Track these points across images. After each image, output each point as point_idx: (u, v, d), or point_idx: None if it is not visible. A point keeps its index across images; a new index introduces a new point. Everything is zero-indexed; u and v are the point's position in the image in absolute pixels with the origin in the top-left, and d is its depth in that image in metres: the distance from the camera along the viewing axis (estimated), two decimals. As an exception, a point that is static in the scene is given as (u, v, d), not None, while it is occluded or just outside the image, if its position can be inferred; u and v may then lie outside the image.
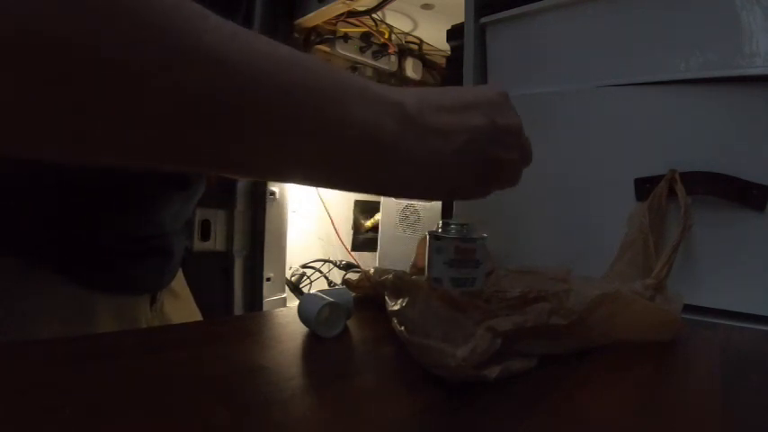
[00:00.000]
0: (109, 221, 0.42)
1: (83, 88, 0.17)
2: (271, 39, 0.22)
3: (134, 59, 0.17)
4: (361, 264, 1.59)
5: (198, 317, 0.57)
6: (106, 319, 0.42)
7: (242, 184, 1.35)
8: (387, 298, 0.37)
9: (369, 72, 1.53)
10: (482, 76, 0.76)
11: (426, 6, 1.28)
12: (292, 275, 1.56)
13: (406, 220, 1.32)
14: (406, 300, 0.35)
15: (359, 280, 0.47)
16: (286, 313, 0.43)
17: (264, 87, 0.20)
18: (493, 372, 0.27)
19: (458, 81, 0.78)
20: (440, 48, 1.55)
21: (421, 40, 1.55)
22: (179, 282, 0.56)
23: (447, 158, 0.27)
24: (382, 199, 1.35)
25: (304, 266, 1.59)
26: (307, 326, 0.36)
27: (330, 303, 0.36)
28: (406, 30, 1.47)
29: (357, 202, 1.64)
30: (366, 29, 1.39)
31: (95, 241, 0.42)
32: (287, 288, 1.50)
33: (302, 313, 0.36)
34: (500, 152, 0.29)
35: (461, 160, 0.28)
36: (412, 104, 0.27)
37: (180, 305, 0.54)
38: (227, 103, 0.20)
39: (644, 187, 0.56)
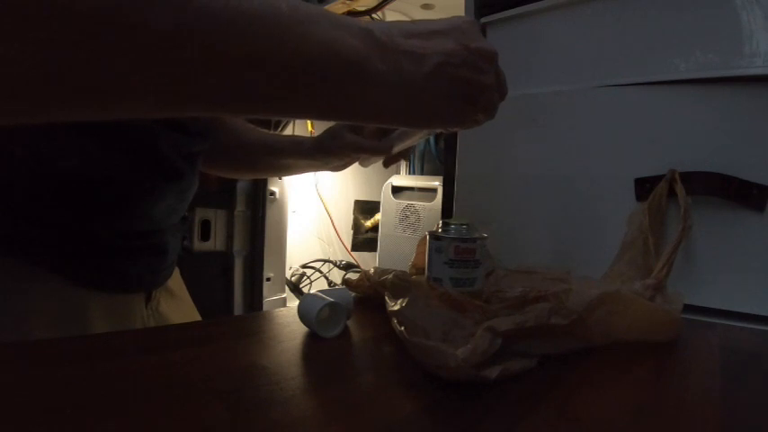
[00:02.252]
0: (102, 216, 0.42)
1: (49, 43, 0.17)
2: None
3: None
4: (361, 264, 1.59)
5: (196, 316, 0.57)
6: (99, 316, 0.42)
7: (242, 184, 1.35)
8: (387, 298, 0.37)
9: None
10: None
11: (426, 6, 1.28)
12: (292, 275, 1.55)
13: (406, 220, 1.32)
14: (406, 300, 0.35)
15: (359, 280, 0.47)
16: (286, 313, 0.43)
17: (225, 19, 0.21)
18: (493, 372, 0.27)
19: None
20: (440, 48, 1.55)
21: (421, 40, 1.55)
22: (176, 281, 0.56)
23: (420, 80, 0.27)
24: (382, 199, 1.35)
25: (304, 266, 1.58)
26: (307, 326, 0.36)
27: (330, 303, 0.36)
28: (406, 30, 1.47)
29: (357, 202, 1.64)
30: (366, 29, 1.39)
31: (89, 238, 0.41)
32: (287, 288, 1.50)
33: (302, 313, 0.36)
34: (474, 75, 0.29)
35: (435, 83, 0.28)
36: (380, 30, 0.27)
37: (177, 304, 0.54)
38: (194, 39, 0.20)
39: (644, 187, 0.56)
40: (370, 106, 0.27)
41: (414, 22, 0.30)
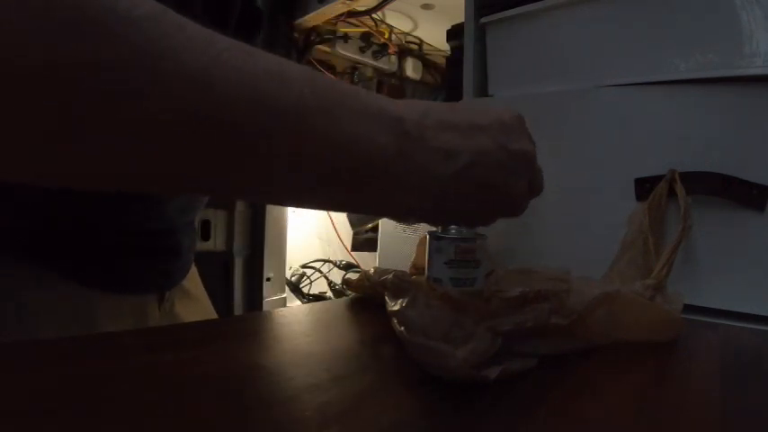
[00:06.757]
0: (111, 214, 0.41)
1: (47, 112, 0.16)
2: (251, 47, 0.20)
3: (101, 80, 0.16)
4: (361, 264, 1.59)
5: (213, 317, 0.55)
6: (109, 319, 0.41)
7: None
8: (387, 298, 0.37)
9: (369, 72, 1.53)
10: (482, 76, 0.76)
11: (426, 6, 1.28)
12: (292, 275, 1.55)
13: (406, 220, 1.32)
14: (406, 300, 0.35)
15: (359, 280, 0.47)
16: (286, 313, 0.43)
17: (241, 104, 0.19)
18: (493, 372, 0.27)
19: (458, 81, 0.78)
20: (440, 48, 1.55)
21: (421, 40, 1.55)
22: (193, 281, 0.54)
23: (446, 181, 0.25)
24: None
25: (304, 266, 1.58)
26: None
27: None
28: (406, 30, 1.47)
29: (357, 202, 1.63)
30: (366, 29, 1.39)
31: (97, 238, 0.41)
32: (287, 288, 1.50)
33: None
34: (507, 179, 0.27)
35: (462, 184, 0.26)
36: (412, 120, 0.24)
37: (194, 305, 0.53)
38: (201, 123, 0.18)
39: (644, 187, 0.55)
40: (388, 205, 0.26)
41: (455, 109, 0.27)
